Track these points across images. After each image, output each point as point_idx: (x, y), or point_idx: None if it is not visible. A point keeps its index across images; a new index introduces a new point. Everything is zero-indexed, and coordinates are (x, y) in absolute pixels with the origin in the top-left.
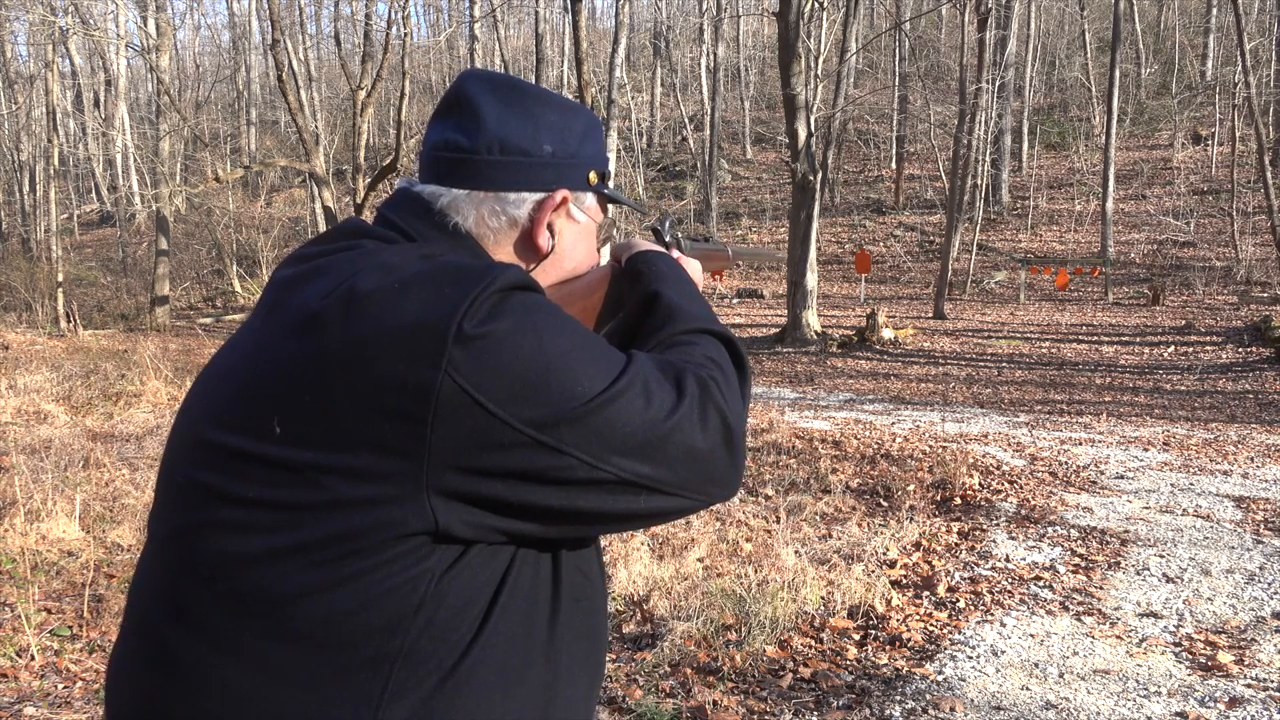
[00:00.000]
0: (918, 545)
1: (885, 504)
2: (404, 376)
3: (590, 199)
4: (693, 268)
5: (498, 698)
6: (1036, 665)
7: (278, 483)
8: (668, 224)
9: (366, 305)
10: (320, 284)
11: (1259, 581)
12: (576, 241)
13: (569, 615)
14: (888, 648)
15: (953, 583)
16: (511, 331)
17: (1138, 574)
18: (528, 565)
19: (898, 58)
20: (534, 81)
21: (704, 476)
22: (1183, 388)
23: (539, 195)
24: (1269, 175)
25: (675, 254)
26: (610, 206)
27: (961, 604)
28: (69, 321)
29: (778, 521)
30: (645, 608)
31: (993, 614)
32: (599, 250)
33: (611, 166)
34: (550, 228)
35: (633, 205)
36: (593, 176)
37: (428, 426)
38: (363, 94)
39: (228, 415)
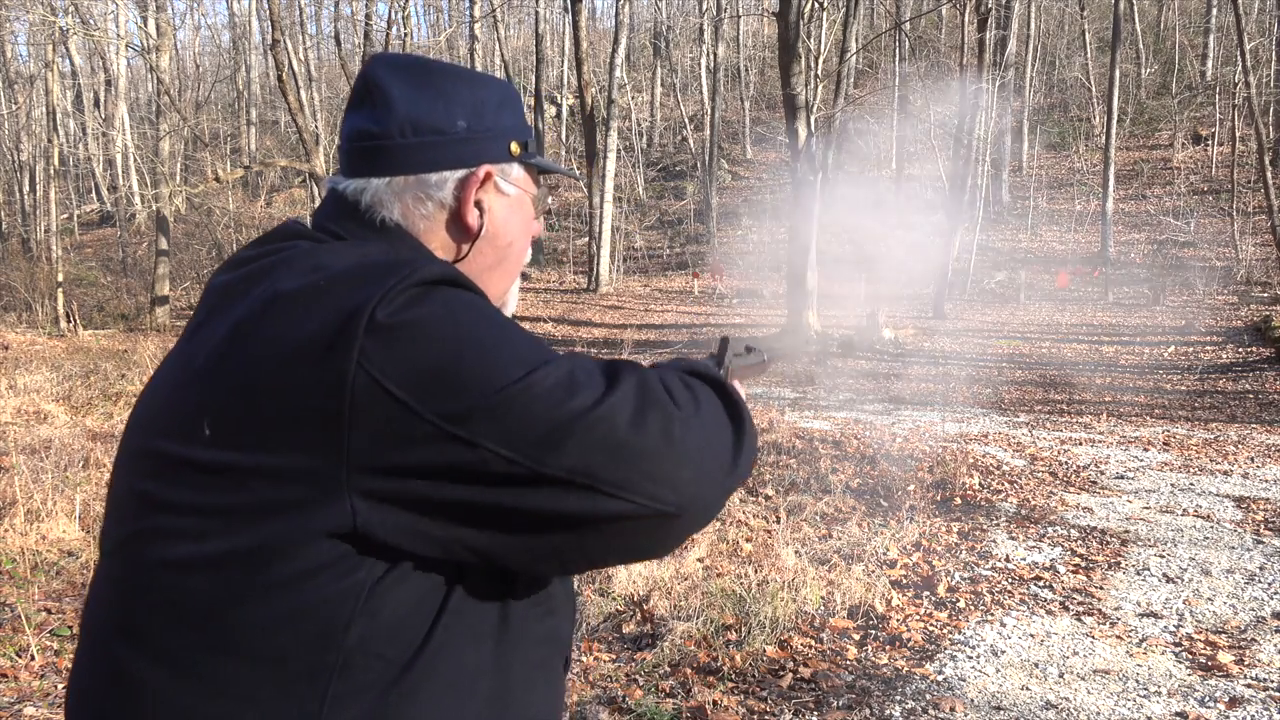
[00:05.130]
0: (918, 545)
1: (885, 504)
2: (320, 372)
3: (517, 170)
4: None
5: (447, 710)
6: (1036, 665)
7: (208, 487)
8: (729, 353)
9: (290, 305)
10: (252, 289)
11: (1259, 581)
12: (509, 215)
13: (522, 621)
14: (888, 648)
15: (953, 583)
16: (427, 321)
17: (1138, 574)
18: (474, 573)
19: (898, 58)
20: (534, 82)
21: (641, 473)
22: (1183, 388)
23: (460, 173)
24: (1269, 175)
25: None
26: (544, 176)
27: (961, 604)
28: (69, 321)
29: (778, 521)
30: (645, 608)
31: (993, 614)
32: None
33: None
34: (479, 205)
35: (564, 172)
36: (515, 147)
37: (344, 422)
38: None
39: (163, 421)
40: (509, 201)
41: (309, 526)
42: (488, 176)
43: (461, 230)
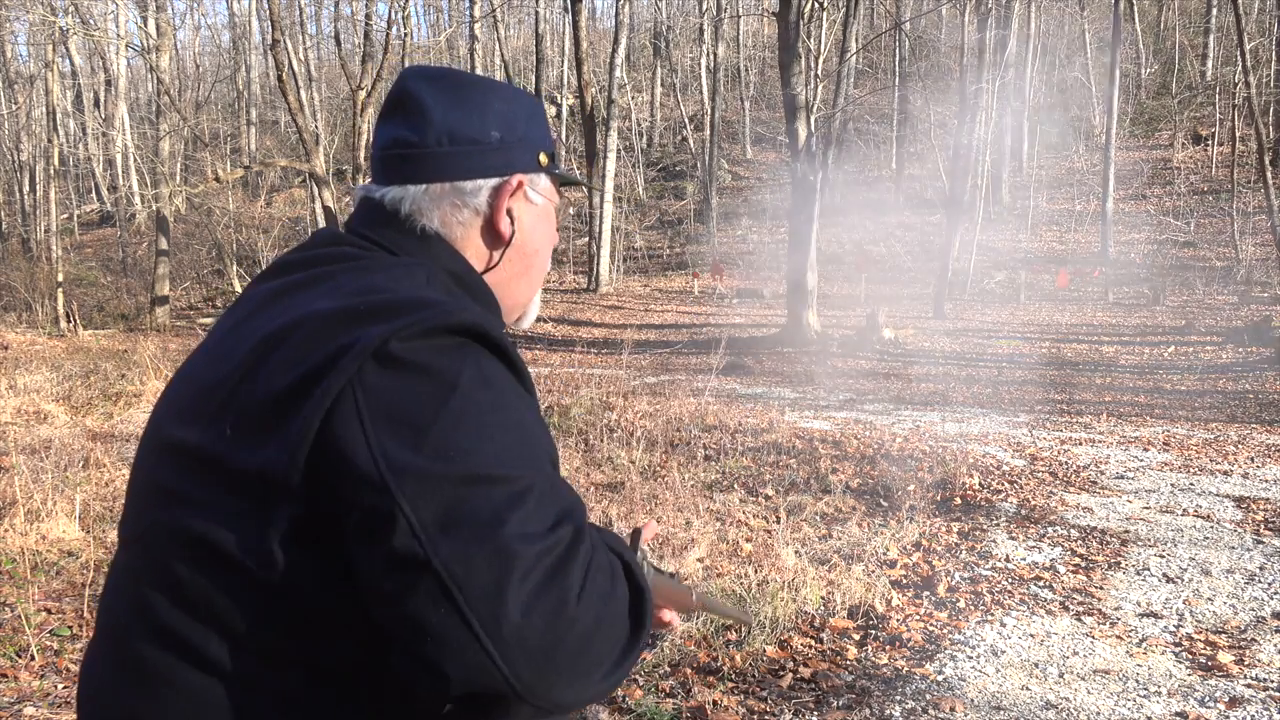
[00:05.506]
0: (918, 545)
1: (885, 504)
2: (320, 383)
3: (544, 181)
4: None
5: None
6: (1036, 665)
7: (221, 486)
8: (640, 547)
9: (321, 324)
10: (294, 297)
11: (1259, 581)
12: (536, 224)
13: None
14: (888, 648)
15: (953, 583)
16: (433, 370)
17: (1138, 574)
18: None
19: (898, 58)
20: (534, 82)
21: (513, 633)
22: (1183, 388)
23: (494, 181)
24: (1269, 175)
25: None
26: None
27: (961, 604)
28: (69, 321)
29: (778, 521)
30: None
31: (993, 614)
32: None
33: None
34: (510, 213)
35: (585, 184)
36: (542, 158)
37: (315, 433)
38: (363, 94)
39: (188, 417)
40: (537, 211)
41: (280, 536)
42: (519, 186)
43: (494, 237)
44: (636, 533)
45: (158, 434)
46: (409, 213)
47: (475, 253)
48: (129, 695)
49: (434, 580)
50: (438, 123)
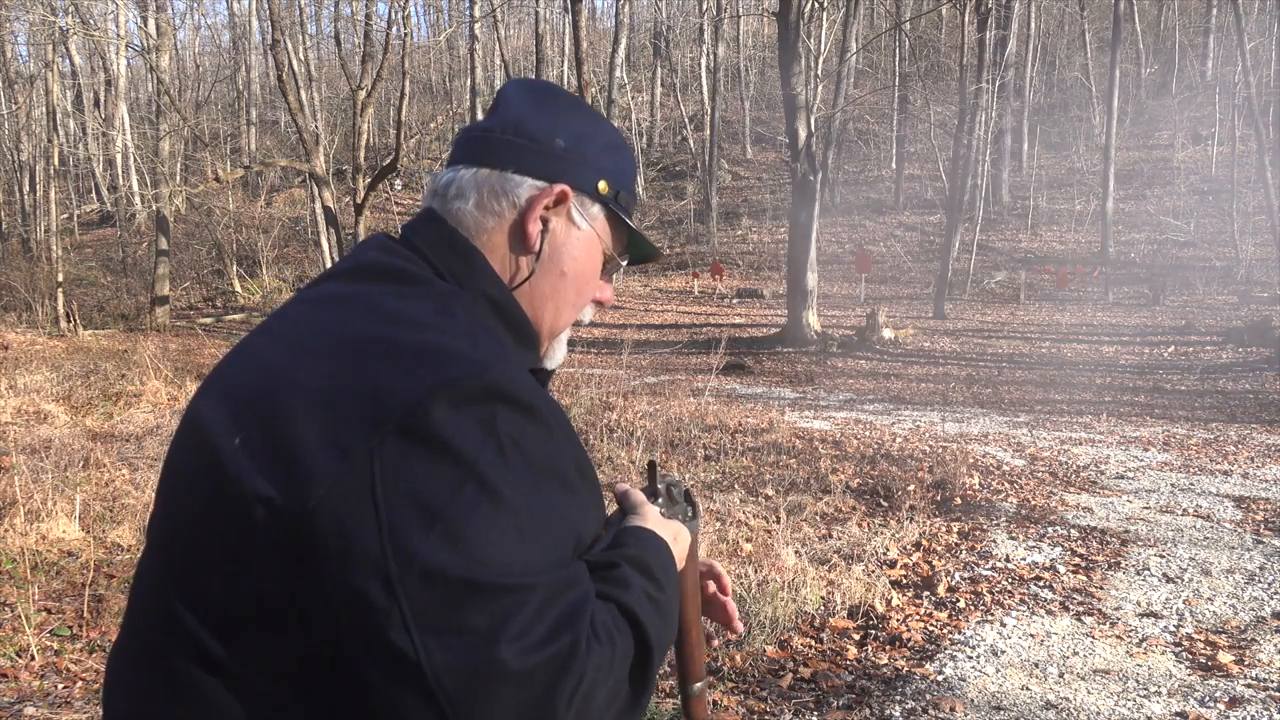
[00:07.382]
0: (918, 545)
1: (885, 504)
2: (336, 432)
3: (598, 211)
4: (683, 539)
5: None
6: (1036, 665)
7: (223, 486)
8: (678, 487)
9: (353, 356)
10: (329, 316)
11: (1259, 581)
12: (572, 245)
13: None
14: (888, 648)
15: (953, 583)
16: (454, 449)
17: (1138, 574)
18: None
19: (898, 58)
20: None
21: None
22: (1183, 388)
23: (540, 183)
24: (1269, 175)
25: (674, 524)
26: (625, 253)
27: (961, 604)
28: (69, 321)
29: (778, 521)
30: None
31: (993, 614)
32: (605, 279)
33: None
34: (544, 221)
35: (642, 235)
36: (603, 186)
37: (321, 487)
38: (363, 94)
39: (208, 413)
40: (579, 235)
41: (273, 573)
42: (563, 196)
43: (522, 241)
44: (652, 466)
45: (186, 423)
46: (452, 196)
47: (502, 259)
48: (157, 703)
49: (423, 685)
50: (511, 114)
